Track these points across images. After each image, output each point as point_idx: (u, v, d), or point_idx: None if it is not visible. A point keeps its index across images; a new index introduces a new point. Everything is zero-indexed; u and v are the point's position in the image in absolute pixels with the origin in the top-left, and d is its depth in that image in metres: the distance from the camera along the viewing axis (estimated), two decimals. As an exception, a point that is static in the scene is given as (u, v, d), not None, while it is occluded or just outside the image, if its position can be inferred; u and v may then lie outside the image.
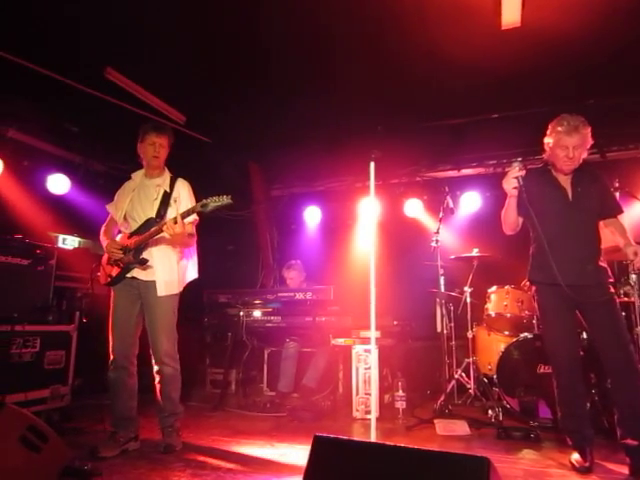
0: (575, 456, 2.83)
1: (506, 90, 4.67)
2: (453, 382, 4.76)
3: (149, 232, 3.07)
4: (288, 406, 4.51)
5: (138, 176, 3.38)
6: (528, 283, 3.28)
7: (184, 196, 3.29)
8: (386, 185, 6.32)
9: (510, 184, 2.90)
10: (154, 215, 3.18)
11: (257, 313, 4.98)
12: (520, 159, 5.50)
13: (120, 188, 3.42)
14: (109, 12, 3.66)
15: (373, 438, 2.90)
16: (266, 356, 5.42)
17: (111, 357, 3.14)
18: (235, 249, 7.36)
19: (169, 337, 3.17)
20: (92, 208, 5.16)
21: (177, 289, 3.23)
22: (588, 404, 3.31)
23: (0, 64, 4.06)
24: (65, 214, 5.29)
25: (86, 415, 3.87)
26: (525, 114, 4.91)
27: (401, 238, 6.07)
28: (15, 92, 4.64)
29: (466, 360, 4.78)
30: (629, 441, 2.71)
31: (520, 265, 3.31)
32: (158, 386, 3.17)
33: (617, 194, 3.67)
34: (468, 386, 4.71)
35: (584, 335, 3.61)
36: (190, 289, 3.45)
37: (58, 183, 5.54)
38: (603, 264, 2.93)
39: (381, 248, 4.02)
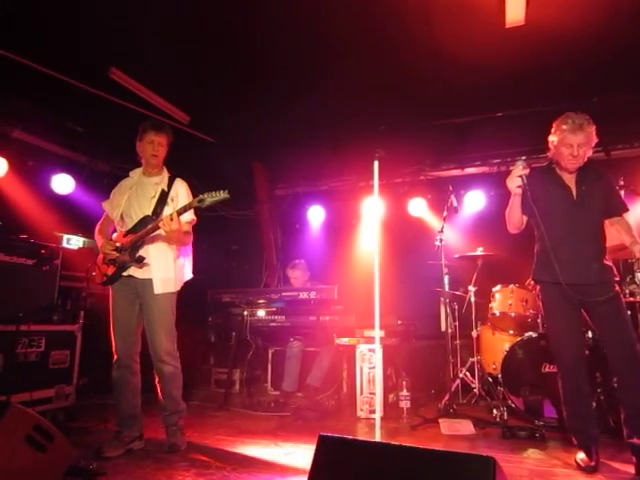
0: (581, 455, 2.81)
1: (510, 88, 4.66)
2: (458, 381, 4.75)
3: (145, 229, 3.06)
4: (292, 405, 4.52)
5: (136, 174, 3.36)
6: (532, 282, 3.27)
7: (182, 195, 3.28)
8: (390, 184, 6.31)
9: (514, 183, 2.88)
10: (150, 213, 3.16)
11: (261, 312, 4.98)
12: (524, 157, 5.48)
13: (117, 186, 3.40)
14: (113, 12, 3.66)
15: (378, 437, 2.90)
16: (270, 355, 5.43)
17: (115, 357, 3.14)
18: (239, 249, 7.37)
19: (167, 335, 3.14)
20: (97, 208, 5.12)
21: (174, 287, 3.21)
22: (594, 403, 3.29)
23: (5, 64, 4.08)
24: (70, 214, 5.31)
25: (91, 415, 3.89)
26: (529, 112, 4.90)
27: (405, 237, 6.06)
28: (20, 92, 4.66)
29: (470, 359, 4.77)
30: (635, 440, 2.69)
31: (524, 264, 3.29)
32: (159, 385, 3.17)
33: (622, 192, 3.65)
34: (473, 385, 4.70)
35: (589, 334, 3.59)
36: (194, 289, 3.45)
37: (63, 183, 5.56)
38: (608, 262, 2.92)
39: (385, 247, 4.02)
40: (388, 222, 5.99)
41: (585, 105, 3.31)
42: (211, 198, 2.93)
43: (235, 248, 7.40)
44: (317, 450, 1.74)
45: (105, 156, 6.00)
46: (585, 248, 2.89)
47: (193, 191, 3.31)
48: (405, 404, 4.18)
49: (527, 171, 2.85)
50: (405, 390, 4.21)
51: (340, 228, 6.74)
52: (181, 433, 3.21)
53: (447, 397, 4.22)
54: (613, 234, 3.00)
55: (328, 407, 4.51)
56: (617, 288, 2.88)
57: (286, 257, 6.60)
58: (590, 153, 2.91)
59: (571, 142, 2.83)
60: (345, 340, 4.48)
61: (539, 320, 4.22)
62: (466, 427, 3.70)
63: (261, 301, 5.02)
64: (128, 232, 3.17)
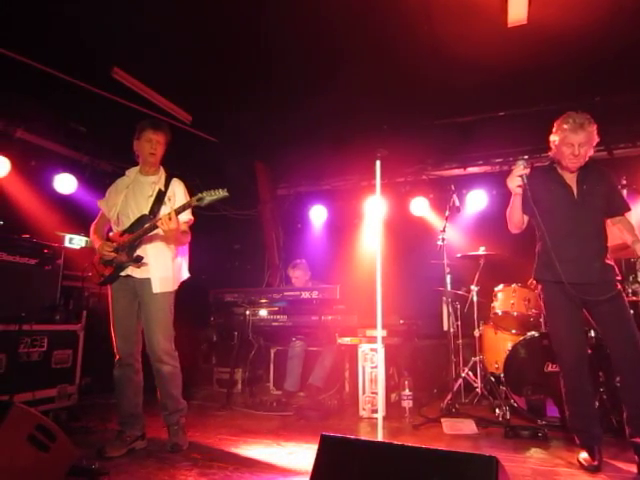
0: (583, 455, 2.81)
1: (512, 88, 4.65)
2: (460, 381, 4.75)
3: (143, 229, 3.05)
4: (295, 405, 4.52)
5: (132, 173, 3.34)
6: (534, 282, 3.26)
7: (179, 195, 3.28)
8: (392, 184, 6.31)
9: (514, 182, 2.88)
10: (148, 212, 3.15)
11: (263, 312, 4.98)
12: (527, 157, 5.49)
13: (112, 185, 3.37)
14: (116, 12, 3.67)
15: (380, 437, 2.90)
16: (272, 355, 5.43)
17: (116, 357, 3.14)
18: (241, 248, 7.38)
19: (165, 335, 3.13)
20: (99, 208, 5.19)
21: (172, 287, 3.21)
22: (596, 402, 3.29)
23: (8, 64, 4.09)
24: (72, 214, 5.32)
25: (93, 414, 3.89)
26: (531, 112, 4.89)
27: (407, 237, 6.06)
28: (23, 92, 4.66)
29: (473, 359, 4.77)
30: (638, 439, 2.69)
31: (527, 263, 3.29)
32: (158, 385, 3.16)
33: (624, 191, 3.64)
34: (475, 385, 4.70)
35: (592, 333, 3.59)
36: (196, 288, 3.45)
37: (65, 183, 5.57)
38: (610, 262, 2.92)
39: (387, 247, 4.01)
40: (390, 222, 5.99)
41: (587, 104, 3.32)
42: (210, 197, 2.92)
43: (237, 248, 7.41)
44: (319, 450, 1.74)
45: (108, 156, 6.01)
46: (586, 247, 2.89)
47: (193, 190, 3.30)
48: (407, 404, 4.18)
49: (527, 171, 2.85)
50: (407, 390, 4.21)
51: (342, 228, 6.74)
52: (183, 432, 3.21)
53: (449, 397, 4.22)
54: (615, 233, 3.00)
55: (330, 407, 4.51)
56: (619, 287, 2.88)
57: (288, 257, 6.59)
58: (592, 152, 2.91)
59: (572, 141, 2.83)
60: (347, 340, 4.48)
61: (541, 319, 4.22)
62: (469, 427, 3.70)
63: (263, 301, 5.02)
64: (125, 232, 3.15)
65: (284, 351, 5.20)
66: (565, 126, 2.84)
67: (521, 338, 4.01)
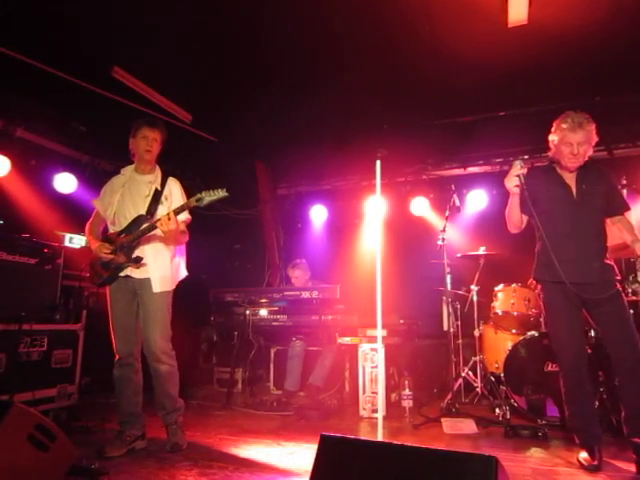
0: (583, 454, 2.81)
1: (512, 88, 4.65)
2: (460, 381, 4.75)
3: (141, 229, 3.05)
4: (295, 405, 4.52)
5: (128, 171, 3.32)
6: (534, 282, 3.26)
7: (176, 194, 3.28)
8: (392, 183, 6.31)
9: (512, 182, 2.89)
10: (144, 212, 3.14)
11: (263, 312, 4.98)
12: (526, 157, 5.50)
13: (107, 183, 3.35)
14: (116, 11, 3.67)
15: (380, 437, 2.90)
16: (272, 355, 5.43)
17: (116, 357, 3.15)
18: (241, 248, 7.39)
19: (163, 334, 3.13)
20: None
21: (171, 286, 3.21)
22: (596, 402, 3.29)
23: (8, 63, 4.09)
24: (72, 213, 5.31)
25: (94, 414, 3.89)
26: (532, 112, 4.89)
27: (407, 236, 6.06)
28: (23, 92, 4.66)
29: (473, 358, 4.78)
30: (636, 439, 2.69)
31: (527, 263, 3.29)
32: (156, 384, 3.15)
33: (624, 191, 3.64)
34: (475, 385, 4.70)
35: (592, 333, 3.59)
36: (196, 288, 3.45)
37: (65, 182, 5.57)
38: (610, 262, 2.92)
39: (387, 247, 4.01)
40: (390, 221, 6.00)
41: (588, 104, 3.32)
42: (209, 197, 2.92)
43: (237, 247, 7.41)
44: (319, 450, 1.74)
45: (108, 155, 6.00)
46: (586, 247, 2.89)
47: (193, 190, 3.30)
48: (407, 403, 4.18)
49: (525, 170, 2.86)
50: (407, 389, 4.21)
51: (342, 227, 6.75)
52: (181, 431, 3.21)
53: (450, 396, 4.22)
54: (615, 233, 3.00)
55: (330, 406, 4.51)
56: (618, 287, 2.88)
57: (289, 256, 6.59)
58: (591, 152, 2.91)
59: (571, 140, 2.83)
60: (347, 339, 4.48)
61: (541, 319, 4.22)
62: (469, 426, 3.70)
63: (263, 300, 5.03)
64: (122, 232, 3.14)
65: (284, 351, 5.20)
66: (564, 125, 2.84)
67: (521, 338, 4.02)
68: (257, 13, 3.74)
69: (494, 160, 5.99)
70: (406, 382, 4.23)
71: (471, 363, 4.79)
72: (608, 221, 3.00)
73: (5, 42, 3.96)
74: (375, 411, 4.06)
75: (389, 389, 4.45)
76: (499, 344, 4.59)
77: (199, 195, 2.93)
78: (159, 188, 3.23)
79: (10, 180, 5.03)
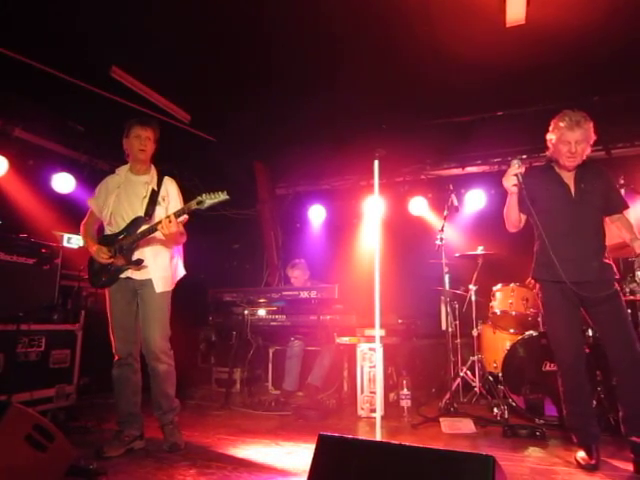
0: (581, 454, 2.82)
1: (511, 87, 4.66)
2: (458, 380, 4.76)
3: (140, 232, 3.06)
4: (293, 405, 4.52)
5: (123, 171, 3.30)
6: (532, 281, 3.26)
7: (173, 195, 3.28)
8: (391, 183, 6.32)
9: (510, 182, 2.89)
10: (143, 214, 3.14)
11: (262, 312, 4.98)
12: (525, 156, 5.50)
13: (102, 183, 3.33)
14: (114, 11, 3.66)
15: (378, 436, 2.90)
16: (271, 355, 5.43)
17: (115, 357, 3.15)
18: (240, 248, 7.38)
19: (162, 333, 3.14)
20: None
21: (171, 286, 3.24)
22: (594, 402, 3.30)
23: (6, 63, 4.08)
24: (70, 213, 5.30)
25: (92, 414, 3.89)
26: (530, 111, 4.90)
27: (406, 236, 6.06)
28: (21, 91, 4.66)
29: (471, 358, 4.78)
30: (635, 438, 2.70)
31: (525, 263, 3.29)
32: (153, 384, 3.15)
33: (622, 191, 3.64)
34: (473, 384, 4.71)
35: (590, 332, 3.59)
36: (195, 288, 3.45)
37: (63, 182, 5.56)
38: (608, 261, 2.92)
39: (386, 246, 4.02)
40: (389, 221, 6.00)
41: (586, 104, 3.31)
42: (210, 200, 2.91)
43: (236, 247, 7.41)
44: (317, 449, 1.74)
45: (106, 155, 5.99)
46: (585, 246, 2.89)
47: (191, 190, 3.30)
48: (406, 403, 4.18)
49: (522, 170, 2.86)
50: (406, 389, 4.21)
51: (341, 227, 6.74)
52: (178, 431, 3.21)
53: (448, 396, 4.22)
54: (613, 232, 3.00)
55: (329, 406, 4.51)
56: (617, 286, 2.88)
57: (287, 256, 6.59)
58: (589, 151, 2.91)
59: (569, 139, 2.83)
60: (346, 339, 4.48)
61: (540, 319, 4.23)
62: (467, 426, 3.70)
63: (262, 300, 5.02)
64: (120, 233, 3.14)
65: (283, 351, 5.21)
66: (561, 124, 2.85)
67: (519, 337, 4.02)
68: (256, 13, 3.74)
69: (492, 160, 6.00)
70: (404, 382, 4.23)
71: (469, 363, 4.80)
72: (607, 220, 3.00)
73: (3, 42, 3.95)
74: (373, 411, 4.06)
75: (387, 389, 4.45)
76: (497, 344, 4.59)
77: (200, 198, 2.93)
78: (155, 188, 3.23)
79: (8, 180, 5.02)
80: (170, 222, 2.93)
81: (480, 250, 4.86)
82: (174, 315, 3.27)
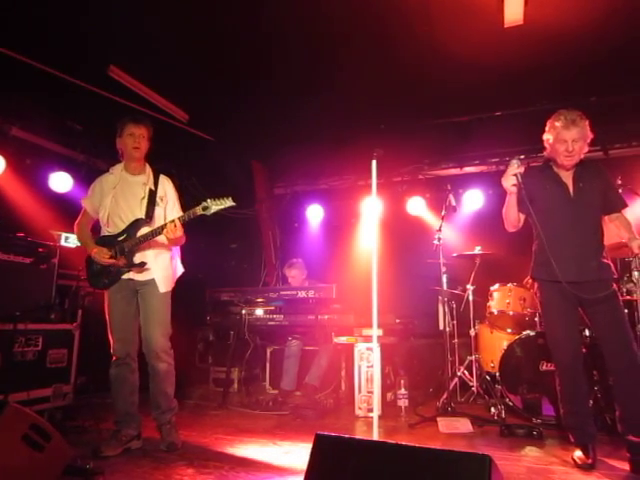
0: (578, 453, 2.82)
1: (509, 88, 4.66)
2: (456, 380, 4.76)
3: (143, 235, 3.07)
4: (291, 404, 4.52)
5: (117, 170, 3.28)
6: (530, 280, 3.27)
7: (170, 195, 3.29)
8: (389, 183, 6.31)
9: (509, 181, 2.89)
10: (143, 216, 3.14)
11: (260, 311, 4.98)
12: (522, 156, 5.49)
13: (96, 182, 3.30)
14: (112, 10, 3.65)
15: (375, 436, 2.90)
16: (268, 354, 5.43)
17: (113, 358, 3.15)
18: (238, 248, 7.37)
19: (164, 332, 3.16)
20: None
21: (171, 285, 3.26)
22: (591, 401, 3.30)
23: (4, 62, 4.07)
24: (67, 212, 5.26)
25: (89, 414, 3.87)
26: (528, 111, 4.90)
27: (404, 236, 6.06)
28: (19, 90, 4.64)
29: (469, 358, 4.79)
30: (631, 437, 2.71)
31: (522, 263, 3.30)
32: (153, 383, 3.16)
33: (620, 191, 3.65)
34: (471, 384, 4.71)
35: (587, 332, 3.60)
36: (193, 287, 3.44)
37: (61, 181, 5.54)
38: (607, 260, 2.92)
39: (383, 246, 4.02)
40: (387, 221, 6.00)
41: (583, 104, 3.32)
42: (216, 206, 2.93)
43: (234, 247, 7.40)
44: (313, 449, 1.74)
45: (103, 154, 5.96)
46: (583, 245, 2.89)
47: (189, 190, 3.29)
48: (403, 403, 4.19)
49: (522, 169, 2.86)
50: (403, 389, 4.22)
51: (339, 227, 6.74)
52: (175, 431, 3.21)
53: (445, 395, 4.23)
54: (612, 232, 3.01)
55: (327, 406, 4.51)
56: (615, 286, 2.89)
57: (285, 256, 6.59)
58: (586, 150, 2.92)
59: (565, 138, 2.84)
60: (343, 339, 4.49)
61: (537, 318, 4.23)
62: (464, 425, 3.70)
63: (260, 300, 5.02)
64: (120, 235, 3.14)
65: (280, 350, 5.21)
66: (557, 124, 2.85)
67: (517, 337, 4.03)
68: (255, 13, 3.73)
69: (490, 160, 6.00)
70: (402, 381, 4.24)
71: (467, 362, 4.80)
72: (605, 219, 3.00)
73: (1, 41, 3.94)
74: (371, 410, 4.07)
75: (385, 388, 4.45)
76: (495, 343, 4.60)
77: (205, 204, 2.94)
78: (153, 188, 3.23)
79: (5, 179, 5.00)
80: (175, 227, 2.96)
81: (478, 250, 4.87)
82: (172, 315, 3.27)
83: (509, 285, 4.53)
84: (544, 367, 3.75)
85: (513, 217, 3.04)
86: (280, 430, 3.74)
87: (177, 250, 3.39)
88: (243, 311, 4.93)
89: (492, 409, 3.96)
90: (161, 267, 3.19)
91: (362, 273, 4.45)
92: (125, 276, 3.12)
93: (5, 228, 4.07)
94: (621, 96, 4.68)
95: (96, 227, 3.32)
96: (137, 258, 3.11)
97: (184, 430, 3.43)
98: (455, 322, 5.09)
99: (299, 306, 4.83)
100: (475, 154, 6.05)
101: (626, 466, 2.71)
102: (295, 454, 3.07)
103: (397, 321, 4.97)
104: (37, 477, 2.15)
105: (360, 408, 4.20)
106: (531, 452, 3.12)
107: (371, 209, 5.24)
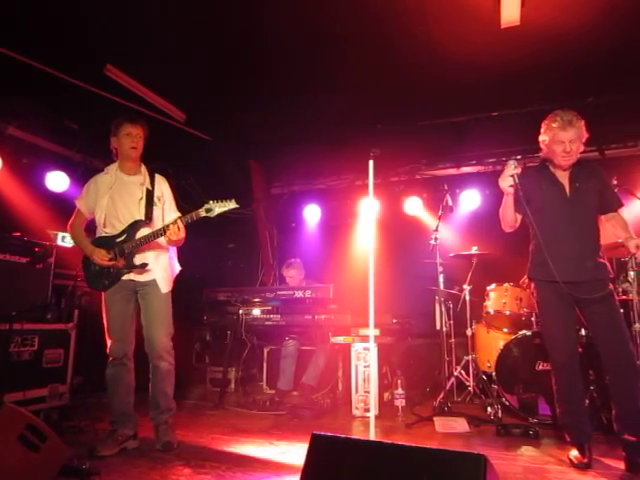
0: (574, 452, 2.83)
1: (506, 88, 4.67)
2: (452, 380, 4.77)
3: (144, 236, 3.07)
4: (288, 404, 4.52)
5: (112, 170, 3.26)
6: (527, 280, 3.28)
7: (167, 194, 3.30)
8: (386, 183, 6.32)
9: (506, 182, 2.90)
10: (143, 217, 3.14)
11: (257, 311, 4.98)
12: (519, 157, 5.51)
13: (90, 182, 3.28)
14: (110, 9, 3.65)
15: (372, 436, 2.90)
16: (265, 354, 5.43)
17: (110, 358, 3.14)
18: (235, 247, 7.36)
19: (167, 333, 3.18)
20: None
21: (171, 285, 3.28)
22: (587, 401, 3.31)
23: (1, 61, 4.05)
24: (64, 212, 5.24)
25: (85, 414, 3.86)
26: (525, 112, 4.92)
27: (401, 236, 6.07)
28: (15, 89, 4.63)
29: (465, 357, 4.80)
30: (627, 437, 2.72)
31: (519, 263, 3.30)
32: (153, 382, 3.17)
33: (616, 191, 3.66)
34: (467, 383, 4.72)
35: (583, 332, 3.61)
36: (190, 287, 3.44)
37: (57, 180, 5.53)
38: (603, 260, 2.93)
39: (381, 246, 4.02)
40: (384, 221, 6.01)
41: (580, 105, 3.33)
42: (220, 208, 2.95)
43: (231, 247, 7.39)
44: (310, 449, 1.74)
45: (100, 154, 5.95)
46: (580, 245, 2.90)
47: (186, 190, 3.29)
48: (400, 402, 4.19)
49: (519, 170, 2.88)
50: (400, 388, 4.22)
51: (336, 227, 6.74)
52: (172, 431, 3.21)
53: (442, 395, 4.23)
54: (608, 231, 3.02)
55: (324, 406, 4.51)
56: (611, 286, 2.90)
57: (282, 256, 6.59)
58: (582, 149, 2.93)
59: (562, 138, 2.85)
60: (340, 339, 4.48)
61: (533, 318, 4.24)
62: (461, 425, 3.71)
63: (257, 300, 5.02)
64: (119, 236, 3.13)
65: (277, 350, 5.20)
66: (554, 125, 2.86)
67: (513, 337, 4.03)
68: (253, 13, 3.73)
69: (487, 160, 6.02)
70: (399, 381, 4.24)
71: (463, 362, 4.81)
72: (602, 218, 3.01)
73: (-3, 40, 3.94)
74: (368, 410, 4.06)
75: (382, 388, 4.45)
76: (491, 343, 4.61)
77: (208, 205, 2.95)
78: (150, 188, 3.23)
79: (2, 178, 4.99)
80: (179, 229, 2.97)
81: (474, 250, 4.88)
82: (169, 314, 3.27)
83: (505, 285, 4.53)
84: (540, 367, 3.76)
85: (510, 217, 3.05)
86: (277, 430, 3.74)
87: (173, 249, 3.40)
88: (240, 311, 4.93)
89: (488, 409, 3.97)
90: (162, 267, 3.21)
91: (359, 273, 4.45)
92: (125, 277, 3.12)
93: (1, 227, 4.06)
94: (617, 96, 4.70)
95: (89, 227, 3.30)
96: (138, 259, 3.12)
97: (181, 430, 3.43)
98: (452, 322, 5.10)
99: (296, 306, 4.83)
100: (472, 154, 6.07)
101: (622, 465, 2.72)
102: (292, 454, 3.07)
103: (394, 321, 4.97)
104: (33, 477, 2.14)
105: (357, 408, 4.20)
106: (527, 451, 3.12)
107: (368, 209, 5.25)
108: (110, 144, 3.24)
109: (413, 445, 1.63)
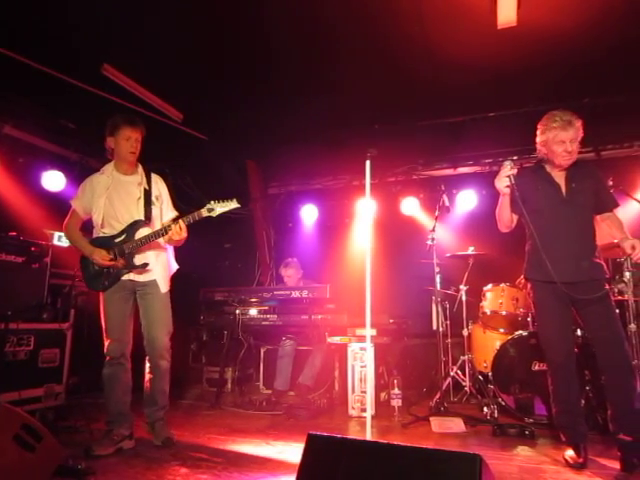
0: (569, 452, 2.84)
1: (502, 89, 4.68)
2: (449, 380, 4.77)
3: (145, 236, 3.07)
4: (284, 404, 4.52)
5: (108, 170, 3.23)
6: (523, 280, 3.29)
7: (164, 194, 3.31)
8: (383, 183, 6.32)
9: (502, 183, 2.91)
10: (142, 217, 3.14)
11: (253, 311, 4.97)
12: (515, 157, 5.53)
13: (86, 182, 3.25)
14: (106, 8, 3.64)
15: (369, 436, 2.91)
16: (262, 354, 5.43)
17: (107, 358, 3.13)
18: (232, 247, 7.35)
19: (167, 332, 3.22)
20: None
21: (169, 284, 3.30)
22: (582, 401, 3.32)
23: (-4, 60, 4.05)
24: (60, 211, 5.23)
25: (81, 414, 3.86)
26: (521, 112, 4.92)
27: (397, 236, 6.07)
28: (11, 89, 4.61)
29: (462, 358, 4.80)
30: (622, 437, 2.73)
31: (515, 263, 3.31)
32: (153, 380, 3.19)
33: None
34: (464, 384, 4.73)
35: (579, 332, 3.62)
36: (186, 287, 3.44)
37: (53, 180, 5.51)
38: (599, 260, 2.94)
39: (377, 246, 4.03)
40: (381, 221, 6.01)
41: (576, 105, 3.34)
42: (222, 208, 2.97)
43: (228, 246, 7.38)
44: (306, 449, 1.74)
45: (97, 153, 5.93)
46: (576, 246, 2.91)
47: (184, 189, 3.29)
48: (396, 402, 4.19)
49: (515, 171, 2.89)
50: (396, 388, 4.22)
51: (333, 227, 6.75)
52: (168, 427, 3.25)
53: (438, 395, 4.24)
54: (604, 232, 3.02)
55: (320, 406, 4.51)
56: (607, 287, 2.91)
57: (279, 256, 6.59)
58: (578, 148, 2.94)
59: (563, 138, 2.86)
60: (337, 339, 4.49)
61: (529, 319, 4.25)
62: (457, 425, 3.72)
63: (253, 300, 5.02)
64: (117, 236, 3.13)
65: (274, 350, 5.20)
66: (554, 125, 2.87)
67: (509, 337, 4.04)
68: (251, 13, 3.73)
69: (484, 160, 6.02)
70: (395, 381, 4.24)
71: (460, 362, 4.82)
72: (597, 218, 3.02)
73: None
74: (364, 410, 4.07)
75: (378, 388, 4.46)
76: (487, 343, 4.62)
77: (210, 205, 2.97)
78: (147, 188, 3.23)
79: (-2, 178, 4.98)
80: (181, 229, 3.00)
81: (471, 250, 4.89)
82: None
83: (502, 285, 4.54)
84: (536, 367, 3.77)
85: (506, 218, 3.06)
86: (273, 430, 3.74)
87: (171, 248, 3.40)
88: (237, 311, 4.92)
89: (485, 409, 3.97)
90: (162, 267, 3.24)
91: (356, 273, 4.46)
92: (125, 277, 3.12)
93: (-3, 227, 4.05)
94: (613, 97, 4.71)
95: (84, 228, 3.29)
96: (137, 259, 3.11)
97: (177, 430, 3.42)
98: (448, 322, 5.11)
99: (293, 306, 4.83)
100: (469, 155, 6.07)
101: (617, 465, 2.72)
102: (288, 454, 3.07)
103: (390, 321, 4.98)
104: (28, 477, 2.14)
105: (353, 408, 4.20)
106: (523, 451, 3.13)
107: (365, 209, 5.25)
108: (105, 143, 3.21)
109: (409, 445, 1.64)
